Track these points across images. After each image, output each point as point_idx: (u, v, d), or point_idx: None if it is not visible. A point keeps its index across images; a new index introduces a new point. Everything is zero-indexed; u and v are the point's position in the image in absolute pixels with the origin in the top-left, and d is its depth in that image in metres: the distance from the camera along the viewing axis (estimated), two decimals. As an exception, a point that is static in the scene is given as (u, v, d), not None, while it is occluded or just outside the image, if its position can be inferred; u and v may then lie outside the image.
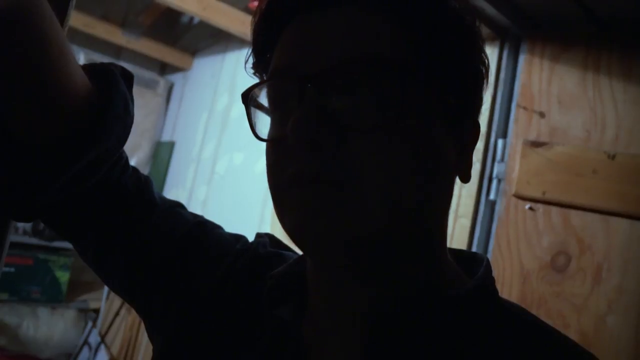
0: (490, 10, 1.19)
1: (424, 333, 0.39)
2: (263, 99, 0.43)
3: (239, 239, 0.56)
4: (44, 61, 0.40)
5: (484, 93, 0.45)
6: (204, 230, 0.55)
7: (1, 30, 0.37)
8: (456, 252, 0.48)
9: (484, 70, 0.43)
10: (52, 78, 0.41)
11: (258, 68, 0.46)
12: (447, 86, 0.40)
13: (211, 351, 0.48)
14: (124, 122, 0.48)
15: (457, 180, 0.44)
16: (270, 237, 0.57)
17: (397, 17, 0.39)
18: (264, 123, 0.43)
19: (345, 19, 0.39)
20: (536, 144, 1.20)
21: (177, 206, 0.56)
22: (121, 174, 0.51)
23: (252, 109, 0.43)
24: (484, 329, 0.40)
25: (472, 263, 0.46)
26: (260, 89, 0.43)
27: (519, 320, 0.42)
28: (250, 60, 0.47)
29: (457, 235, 1.28)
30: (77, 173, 0.45)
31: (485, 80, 0.44)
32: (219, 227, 0.57)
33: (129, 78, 0.50)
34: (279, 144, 0.40)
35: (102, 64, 0.49)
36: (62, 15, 0.51)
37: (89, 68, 0.47)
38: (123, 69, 0.50)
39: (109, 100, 0.46)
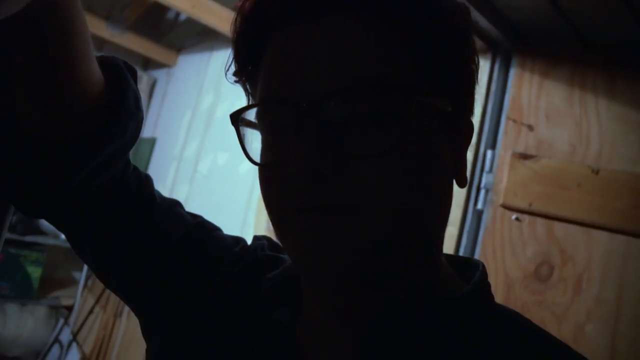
0: (483, 22, 1.22)
1: (420, 335, 0.39)
2: (250, 115, 0.41)
3: (239, 241, 0.56)
4: (68, 55, 0.39)
5: (475, 92, 0.44)
6: (204, 232, 0.54)
7: (29, 21, 0.36)
8: (450, 257, 0.48)
9: (475, 70, 0.43)
10: (74, 73, 0.41)
11: (240, 76, 0.45)
12: (444, 94, 0.40)
13: (208, 353, 0.47)
14: (136, 118, 0.48)
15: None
16: (268, 240, 0.57)
17: (393, 26, 0.38)
18: (253, 138, 0.42)
19: (339, 35, 0.37)
20: (524, 156, 1.23)
21: (176, 205, 0.56)
22: (124, 171, 0.51)
23: (242, 128, 0.41)
24: (479, 332, 0.40)
25: (466, 268, 0.47)
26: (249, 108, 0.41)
27: (513, 324, 0.42)
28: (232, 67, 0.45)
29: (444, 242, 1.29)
30: (93, 170, 0.44)
31: (476, 79, 0.43)
32: (218, 229, 0.57)
33: (132, 72, 0.50)
34: (277, 170, 0.39)
35: (105, 57, 0.48)
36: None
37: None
38: (126, 63, 0.49)
39: (121, 95, 0.45)
